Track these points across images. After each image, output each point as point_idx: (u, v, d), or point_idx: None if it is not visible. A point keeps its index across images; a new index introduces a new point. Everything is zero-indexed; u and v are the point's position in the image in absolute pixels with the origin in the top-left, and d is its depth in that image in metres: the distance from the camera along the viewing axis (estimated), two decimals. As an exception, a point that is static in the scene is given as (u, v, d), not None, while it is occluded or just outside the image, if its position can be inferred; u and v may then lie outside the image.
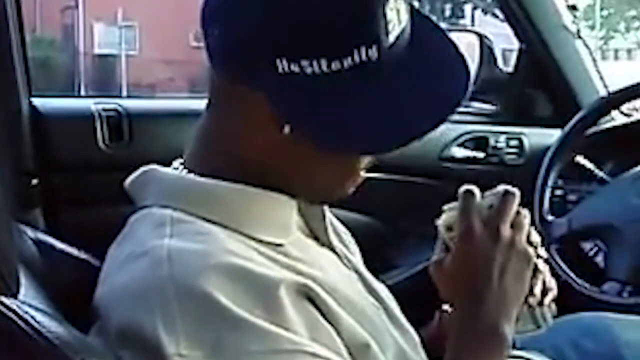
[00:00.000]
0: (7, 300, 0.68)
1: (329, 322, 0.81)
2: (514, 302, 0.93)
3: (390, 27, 0.81)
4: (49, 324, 0.67)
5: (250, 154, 0.86)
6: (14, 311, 0.66)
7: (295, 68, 0.79)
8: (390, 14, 0.81)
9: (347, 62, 0.80)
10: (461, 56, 0.87)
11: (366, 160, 0.90)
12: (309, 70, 0.80)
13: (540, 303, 0.94)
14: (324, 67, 0.80)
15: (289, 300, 0.77)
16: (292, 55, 0.79)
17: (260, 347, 0.73)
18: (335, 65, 0.80)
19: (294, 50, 0.79)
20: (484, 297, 0.90)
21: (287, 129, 0.82)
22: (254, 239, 0.85)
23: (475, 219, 0.93)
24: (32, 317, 0.67)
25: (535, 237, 0.95)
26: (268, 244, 0.85)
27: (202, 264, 0.76)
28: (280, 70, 0.80)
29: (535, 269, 0.94)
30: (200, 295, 0.74)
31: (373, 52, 0.80)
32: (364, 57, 0.80)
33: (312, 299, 0.81)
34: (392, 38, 0.82)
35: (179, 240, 0.79)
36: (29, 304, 0.71)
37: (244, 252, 0.80)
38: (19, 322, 0.65)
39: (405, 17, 0.84)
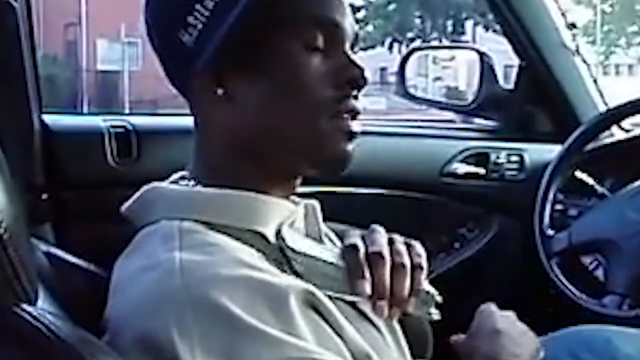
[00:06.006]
0: (29, 307, 0.71)
1: (334, 330, 0.83)
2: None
3: None
4: (68, 329, 0.70)
5: (223, 147, 0.91)
6: (35, 317, 0.69)
7: (192, 31, 0.88)
8: None
9: None
10: None
11: (324, 90, 0.90)
12: (199, 25, 0.88)
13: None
14: (204, 11, 0.87)
15: (298, 308, 0.79)
16: (181, 22, 0.88)
17: (272, 355, 0.75)
18: (208, 3, 0.87)
19: (178, 15, 0.88)
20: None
21: (219, 91, 0.89)
22: (259, 235, 0.88)
23: None
24: (52, 322, 0.70)
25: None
26: (271, 243, 0.88)
27: (213, 275, 0.78)
28: (188, 42, 0.88)
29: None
30: (214, 305, 0.75)
31: None
32: None
33: (317, 307, 0.82)
34: None
35: (189, 253, 0.81)
36: (47, 310, 0.74)
37: (253, 262, 0.82)
38: (40, 327, 0.68)
39: None
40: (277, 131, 0.89)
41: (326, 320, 0.83)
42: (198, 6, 0.87)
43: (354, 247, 0.90)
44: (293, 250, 0.89)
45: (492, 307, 1.10)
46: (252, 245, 0.86)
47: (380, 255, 0.89)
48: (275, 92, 0.89)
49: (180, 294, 0.77)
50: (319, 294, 0.83)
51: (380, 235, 0.93)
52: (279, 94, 0.89)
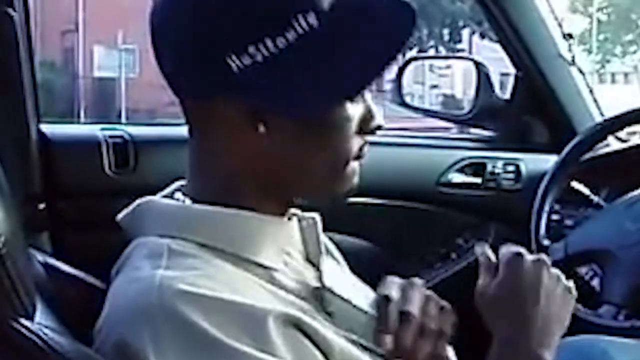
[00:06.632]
0: (27, 322, 0.71)
1: (320, 348, 0.83)
2: (556, 332, 0.95)
3: None
4: (66, 344, 0.71)
5: (239, 170, 0.89)
6: (33, 332, 0.70)
7: (246, 60, 0.82)
8: None
9: (291, 35, 0.83)
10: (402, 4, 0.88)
11: (354, 138, 0.91)
12: (259, 57, 0.82)
13: None
14: (272, 48, 0.82)
15: (276, 329, 0.79)
16: (238, 48, 0.82)
17: None
18: (280, 42, 0.82)
19: (238, 41, 0.82)
20: (529, 322, 0.93)
21: (261, 128, 0.85)
22: (251, 262, 0.87)
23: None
24: (50, 337, 0.70)
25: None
26: (264, 267, 0.88)
27: (190, 295, 0.78)
28: (234, 68, 0.83)
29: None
30: (189, 325, 0.76)
31: (312, 19, 0.83)
32: (304, 25, 0.83)
33: (300, 327, 0.82)
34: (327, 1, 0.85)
35: (172, 272, 0.81)
36: (45, 324, 0.75)
37: (235, 285, 0.82)
38: (38, 342, 0.69)
39: None
40: (303, 167, 0.89)
41: (310, 338, 0.82)
42: (268, 40, 0.82)
43: (388, 298, 0.89)
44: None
45: (522, 251, 0.99)
46: (244, 270, 0.86)
47: (410, 315, 0.88)
48: (310, 131, 0.88)
49: (156, 313, 0.77)
50: (303, 315, 0.83)
51: (418, 291, 0.92)
52: (315, 133, 0.88)
